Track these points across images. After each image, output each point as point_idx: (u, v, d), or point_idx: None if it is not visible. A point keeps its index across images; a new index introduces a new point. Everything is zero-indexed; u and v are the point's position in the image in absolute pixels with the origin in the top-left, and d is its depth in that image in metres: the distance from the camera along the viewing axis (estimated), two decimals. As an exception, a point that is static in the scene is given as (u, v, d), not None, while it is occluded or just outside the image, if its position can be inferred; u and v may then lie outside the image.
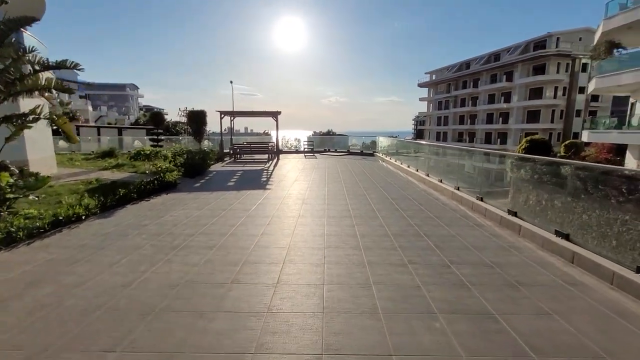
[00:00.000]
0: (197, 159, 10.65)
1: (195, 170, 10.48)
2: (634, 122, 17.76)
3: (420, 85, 65.94)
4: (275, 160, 15.70)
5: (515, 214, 5.89)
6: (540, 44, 42.46)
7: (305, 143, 20.48)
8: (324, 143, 23.05)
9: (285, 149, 21.21)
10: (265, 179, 10.41)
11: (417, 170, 10.74)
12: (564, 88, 42.20)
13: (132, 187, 7.23)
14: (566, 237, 4.62)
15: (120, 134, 25.09)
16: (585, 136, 19.65)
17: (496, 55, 49.40)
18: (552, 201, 5.68)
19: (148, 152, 13.46)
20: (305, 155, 18.12)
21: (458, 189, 7.90)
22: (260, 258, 4.13)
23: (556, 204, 5.46)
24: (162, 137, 16.36)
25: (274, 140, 18.82)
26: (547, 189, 5.92)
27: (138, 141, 21.24)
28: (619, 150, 20.04)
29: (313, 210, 6.65)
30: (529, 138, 19.43)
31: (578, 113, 42.28)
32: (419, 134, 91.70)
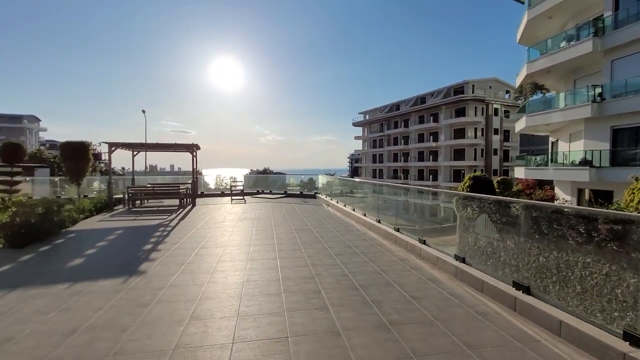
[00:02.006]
0: (37, 214, 6.50)
1: (30, 233, 6.30)
2: (560, 159, 18.34)
3: (355, 125, 67.87)
4: (189, 208, 11.86)
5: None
6: (459, 89, 46.70)
7: (235, 183, 16.96)
8: (258, 183, 19.77)
9: (206, 192, 17.30)
10: (150, 247, 6.58)
11: (379, 222, 8.13)
12: (482, 129, 46.32)
13: None
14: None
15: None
16: (521, 172, 19.83)
17: (422, 98, 53.19)
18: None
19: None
20: (232, 199, 14.54)
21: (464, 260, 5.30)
22: None
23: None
24: (19, 178, 11.35)
25: (207, 178, 15.01)
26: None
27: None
28: (540, 186, 20.77)
29: (214, 341, 3.14)
30: (471, 175, 18.77)
31: (495, 152, 46.41)
32: (354, 172, 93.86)
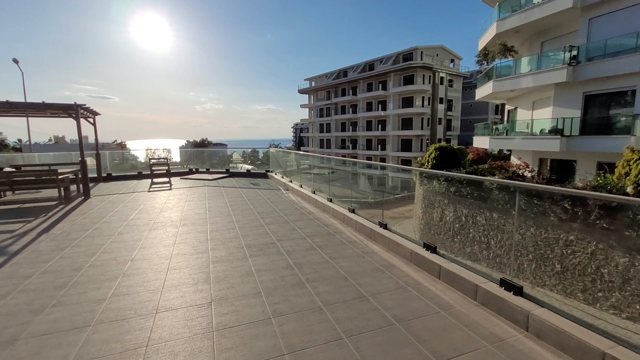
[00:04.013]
0: None
1: None
2: (521, 128, 17.59)
3: (301, 92, 63.77)
4: (76, 202, 7.88)
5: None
6: (408, 56, 45.28)
7: (155, 160, 12.81)
8: (193, 158, 15.75)
9: (120, 172, 12.93)
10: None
11: (385, 227, 5.45)
12: (429, 98, 46.13)
13: None
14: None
15: None
16: (483, 142, 18.84)
17: (370, 65, 50.95)
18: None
19: None
20: (151, 185, 10.66)
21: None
22: None
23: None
24: None
25: (136, 153, 10.55)
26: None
27: None
28: (487, 155, 20.36)
29: None
30: (437, 146, 17.15)
31: (439, 121, 46.93)
32: (300, 142, 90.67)
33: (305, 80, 63.61)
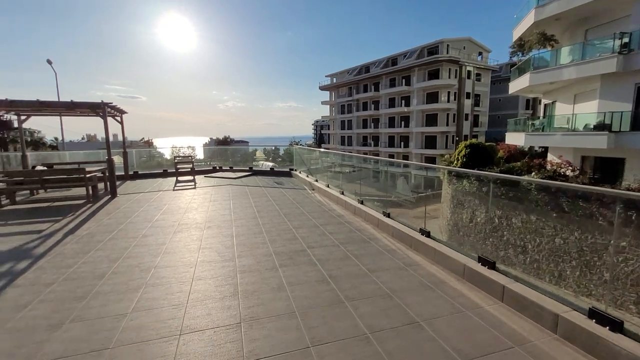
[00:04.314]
0: None
1: None
2: (560, 123, 16.30)
3: (322, 88, 63.21)
4: (104, 201, 7.85)
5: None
6: (433, 49, 43.71)
7: (181, 159, 12.77)
8: (216, 156, 15.72)
9: (146, 170, 13.01)
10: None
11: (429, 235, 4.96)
12: (454, 93, 44.38)
13: None
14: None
15: None
16: (518, 139, 17.68)
17: (393, 60, 49.64)
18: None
19: None
20: (176, 184, 10.58)
21: None
22: None
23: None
24: None
25: (162, 150, 10.66)
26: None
27: None
28: (520, 153, 18.93)
29: None
30: (467, 143, 16.25)
31: (466, 117, 45.08)
32: (320, 139, 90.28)
33: (326, 76, 63.04)
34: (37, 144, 44.59)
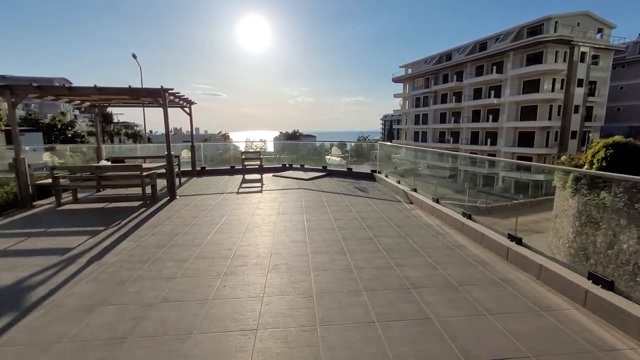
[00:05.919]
0: None
1: None
2: None
3: (395, 80, 59.10)
4: (161, 203, 6.64)
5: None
6: (535, 29, 36.72)
7: (248, 155, 11.43)
8: (287, 151, 14.24)
9: (215, 166, 12.03)
10: None
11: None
12: (562, 80, 36.78)
13: None
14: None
15: None
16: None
17: (482, 44, 43.33)
18: None
19: None
20: (240, 186, 9.15)
21: None
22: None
23: None
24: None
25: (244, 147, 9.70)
26: None
27: None
28: None
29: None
30: (608, 142, 12.03)
31: (576, 109, 37.09)
32: (390, 135, 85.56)
33: (400, 67, 58.66)
34: (136, 136, 49.79)
